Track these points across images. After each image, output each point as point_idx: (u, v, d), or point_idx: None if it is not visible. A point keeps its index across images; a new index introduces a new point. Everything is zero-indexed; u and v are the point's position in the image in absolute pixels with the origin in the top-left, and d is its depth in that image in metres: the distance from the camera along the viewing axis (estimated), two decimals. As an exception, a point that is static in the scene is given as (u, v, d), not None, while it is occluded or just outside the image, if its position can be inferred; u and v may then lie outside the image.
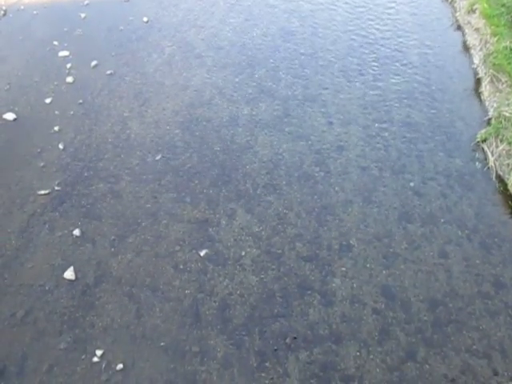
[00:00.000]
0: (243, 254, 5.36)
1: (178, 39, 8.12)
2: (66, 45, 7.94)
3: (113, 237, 5.54)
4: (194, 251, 5.39)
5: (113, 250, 5.41)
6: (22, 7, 8.70)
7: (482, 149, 6.38)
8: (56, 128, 6.70)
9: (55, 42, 7.98)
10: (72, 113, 6.94)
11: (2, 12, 8.54)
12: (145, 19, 8.47)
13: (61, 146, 6.47)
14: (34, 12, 8.60)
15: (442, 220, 5.64)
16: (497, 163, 6.12)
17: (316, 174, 6.17)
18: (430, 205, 5.79)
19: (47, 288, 5.03)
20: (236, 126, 6.77)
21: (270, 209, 5.81)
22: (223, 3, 8.80)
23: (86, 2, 8.77)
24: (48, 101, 7.08)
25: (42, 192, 5.93)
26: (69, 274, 5.13)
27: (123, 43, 8.02)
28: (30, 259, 5.26)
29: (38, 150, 6.43)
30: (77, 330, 4.70)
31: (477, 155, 6.36)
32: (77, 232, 5.53)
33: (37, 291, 5.00)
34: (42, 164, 6.27)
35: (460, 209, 5.75)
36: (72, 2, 8.81)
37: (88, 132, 6.69)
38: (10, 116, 6.82)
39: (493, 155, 6.15)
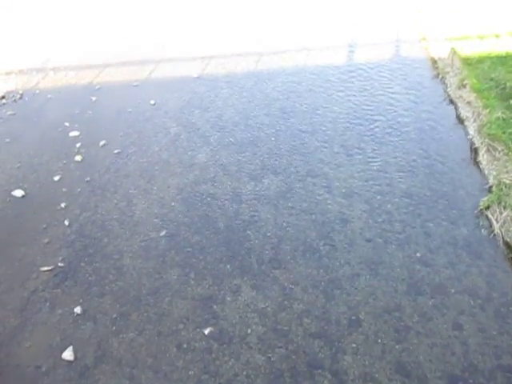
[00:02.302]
0: (249, 331, 5.16)
1: (183, 120, 8.47)
2: (76, 126, 8.29)
3: (115, 315, 5.38)
4: (198, 329, 5.20)
5: (114, 328, 5.23)
6: (38, 91, 9.21)
7: (486, 216, 6.37)
8: (63, 205, 6.80)
9: (66, 123, 8.33)
10: (79, 190, 7.08)
11: (19, 96, 9.04)
12: (152, 102, 8.91)
13: (66, 223, 6.52)
14: (49, 96, 9.08)
15: (453, 290, 5.49)
16: (503, 230, 6.07)
17: (321, 248, 6.13)
18: (439, 275, 5.67)
19: (44, 370, 4.78)
20: (240, 202, 6.84)
21: (275, 284, 5.69)
22: (226, 87, 9.30)
23: (97, 87, 9.28)
24: (56, 178, 7.25)
25: (45, 268, 5.87)
26: (67, 354, 4.91)
27: (131, 124, 8.37)
28: (28, 338, 5.07)
29: (44, 226, 6.47)
30: (73, 416, 4.42)
31: (481, 222, 6.33)
32: (78, 310, 5.39)
33: (33, 373, 4.76)
34: (46, 240, 6.27)
35: (470, 278, 5.62)
36: (84, 86, 9.33)
37: (94, 209, 6.77)
38: (18, 193, 6.96)
39: (497, 222, 6.13)
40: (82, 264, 5.98)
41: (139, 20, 11.50)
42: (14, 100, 8.90)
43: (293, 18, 11.52)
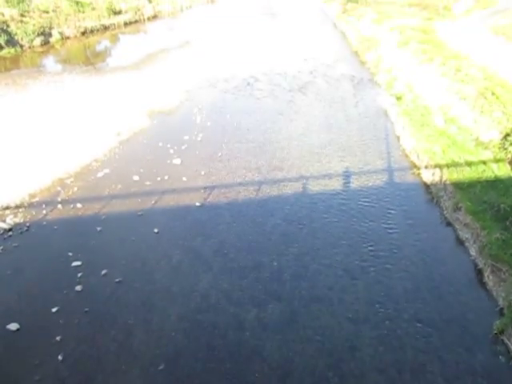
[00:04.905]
0: None
1: (185, 247, 8.53)
2: (79, 255, 8.32)
3: None
4: None
5: None
6: (45, 223, 9.43)
7: (502, 341, 6.08)
8: (58, 338, 6.52)
9: (70, 253, 8.38)
10: (77, 321, 6.84)
11: (25, 228, 9.27)
12: (155, 230, 9.06)
13: (60, 358, 6.19)
14: (55, 227, 9.28)
15: (479, 428, 5.00)
16: (522, 357, 5.76)
17: (330, 380, 5.77)
18: (462, 409, 5.23)
19: None
20: (243, 331, 6.61)
21: (283, 423, 5.22)
22: (228, 215, 9.54)
23: (103, 217, 9.53)
24: (54, 310, 7.05)
25: (32, 412, 5.42)
26: None
27: (134, 252, 8.41)
28: None
29: (36, 363, 6.11)
30: None
31: (498, 348, 6.03)
32: None
33: None
34: (37, 378, 5.89)
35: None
36: (91, 217, 9.58)
37: (90, 341, 6.48)
38: (13, 326, 6.73)
39: (515, 348, 5.84)
40: (73, 405, 5.54)
41: (143, 154, 12.25)
42: (21, 232, 9.07)
43: (286, 149, 12.32)
